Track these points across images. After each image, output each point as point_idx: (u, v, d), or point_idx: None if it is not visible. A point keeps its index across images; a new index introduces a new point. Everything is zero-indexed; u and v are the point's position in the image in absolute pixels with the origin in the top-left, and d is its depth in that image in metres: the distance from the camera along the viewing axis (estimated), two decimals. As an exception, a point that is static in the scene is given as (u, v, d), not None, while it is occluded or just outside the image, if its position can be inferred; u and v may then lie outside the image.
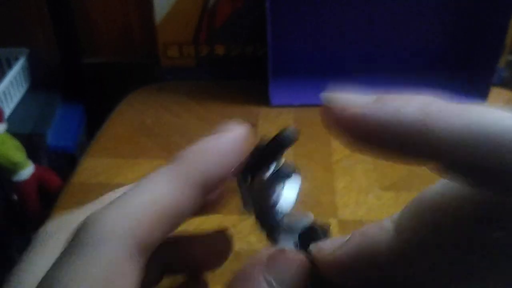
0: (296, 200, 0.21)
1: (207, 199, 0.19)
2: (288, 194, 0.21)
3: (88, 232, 0.16)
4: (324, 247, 0.19)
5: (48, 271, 0.16)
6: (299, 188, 0.21)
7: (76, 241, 0.16)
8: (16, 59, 0.91)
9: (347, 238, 0.19)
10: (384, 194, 0.66)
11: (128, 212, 0.16)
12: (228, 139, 0.19)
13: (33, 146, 0.84)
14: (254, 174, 0.20)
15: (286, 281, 0.18)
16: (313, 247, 0.20)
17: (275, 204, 0.21)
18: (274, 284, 0.18)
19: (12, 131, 0.80)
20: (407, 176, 0.69)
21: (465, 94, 0.80)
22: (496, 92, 0.79)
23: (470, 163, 0.14)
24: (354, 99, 0.16)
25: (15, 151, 0.78)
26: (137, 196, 0.17)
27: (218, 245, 0.24)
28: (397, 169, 0.70)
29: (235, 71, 0.90)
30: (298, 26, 0.85)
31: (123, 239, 0.16)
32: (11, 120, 0.85)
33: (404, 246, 0.17)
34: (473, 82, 0.82)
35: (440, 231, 0.16)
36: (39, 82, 0.96)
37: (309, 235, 0.21)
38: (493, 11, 0.78)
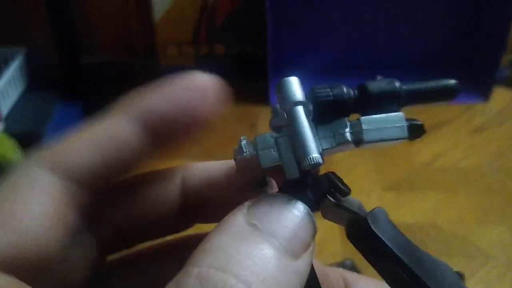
0: None
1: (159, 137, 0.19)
2: None
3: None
4: None
5: None
6: None
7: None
8: (14, 58, 0.91)
9: None
10: (386, 195, 0.65)
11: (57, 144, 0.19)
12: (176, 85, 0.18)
13: (30, 145, 0.83)
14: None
15: (276, 228, 0.15)
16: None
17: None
18: (263, 231, 0.15)
19: (10, 131, 0.80)
20: (408, 176, 0.68)
21: (467, 94, 0.80)
22: (498, 92, 0.79)
23: None
24: None
25: (12, 151, 0.77)
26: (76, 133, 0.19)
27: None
28: (398, 170, 0.69)
29: (235, 70, 0.89)
30: (298, 26, 0.85)
31: (38, 157, 0.18)
32: (8, 119, 0.84)
33: None
34: (475, 82, 0.81)
35: None
36: (37, 81, 0.95)
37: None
38: (495, 11, 0.77)
